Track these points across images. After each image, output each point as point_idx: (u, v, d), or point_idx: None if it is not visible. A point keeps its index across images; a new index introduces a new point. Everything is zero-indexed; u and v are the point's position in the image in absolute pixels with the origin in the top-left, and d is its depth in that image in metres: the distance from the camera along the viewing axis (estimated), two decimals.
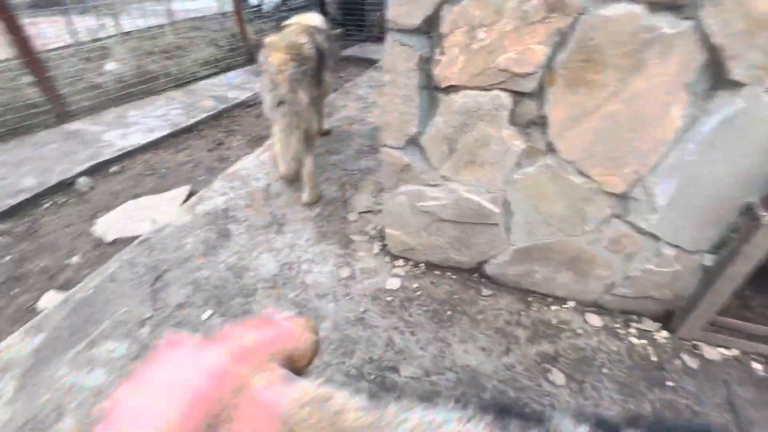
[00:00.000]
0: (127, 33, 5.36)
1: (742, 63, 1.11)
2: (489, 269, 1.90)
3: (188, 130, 3.73)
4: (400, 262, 2.07)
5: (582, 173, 1.47)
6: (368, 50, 6.16)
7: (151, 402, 0.31)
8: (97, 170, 3.06)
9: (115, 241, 2.38)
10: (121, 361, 1.60)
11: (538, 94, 1.37)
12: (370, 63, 5.67)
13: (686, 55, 1.15)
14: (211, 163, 3.23)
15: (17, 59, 3.44)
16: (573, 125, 1.38)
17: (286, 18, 6.27)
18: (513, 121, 1.45)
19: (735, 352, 1.62)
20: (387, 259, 2.09)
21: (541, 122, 1.43)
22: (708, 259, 1.51)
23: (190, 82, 4.78)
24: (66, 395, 1.48)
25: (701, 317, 1.58)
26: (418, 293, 1.89)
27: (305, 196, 2.46)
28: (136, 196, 2.81)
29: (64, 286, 2.08)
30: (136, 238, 2.33)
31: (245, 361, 0.36)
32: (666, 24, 1.13)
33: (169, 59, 4.94)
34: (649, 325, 1.72)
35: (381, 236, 2.21)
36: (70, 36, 4.90)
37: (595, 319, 1.76)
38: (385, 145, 1.71)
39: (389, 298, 1.87)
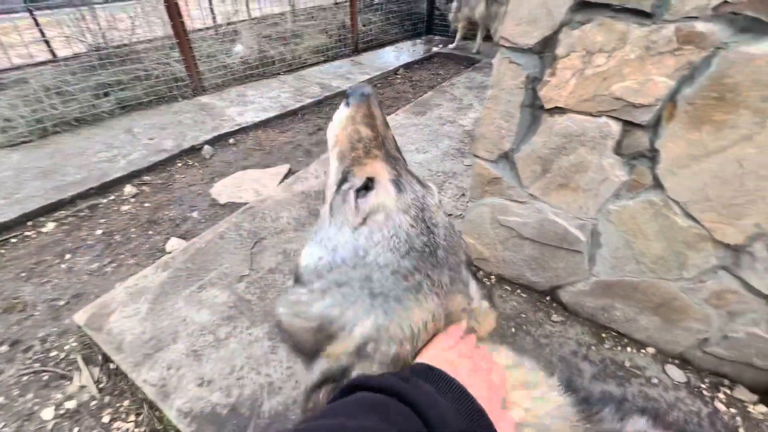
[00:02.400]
0: (255, 19, 6.01)
1: None
2: (564, 295, 1.85)
3: (294, 113, 4.12)
4: None
5: (690, 216, 1.35)
6: (470, 50, 6.08)
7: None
8: (218, 140, 3.57)
9: (226, 204, 2.79)
10: (222, 307, 1.91)
11: (653, 126, 1.30)
12: (470, 62, 5.60)
13: None
14: (310, 147, 3.55)
15: (171, 38, 4.11)
16: (688, 164, 1.28)
17: (395, 11, 6.64)
18: (618, 150, 1.39)
19: None
20: None
21: (650, 156, 1.35)
22: None
23: (300, 68, 5.23)
24: (180, 325, 1.83)
25: None
26: None
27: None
28: (246, 167, 3.23)
29: (185, 235, 2.51)
30: (242, 204, 2.70)
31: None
32: None
33: (285, 45, 5.44)
34: (743, 394, 1.54)
35: None
36: (211, 19, 5.67)
37: (676, 373, 1.62)
38: (477, 156, 1.75)
39: None
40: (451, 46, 6.10)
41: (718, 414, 1.50)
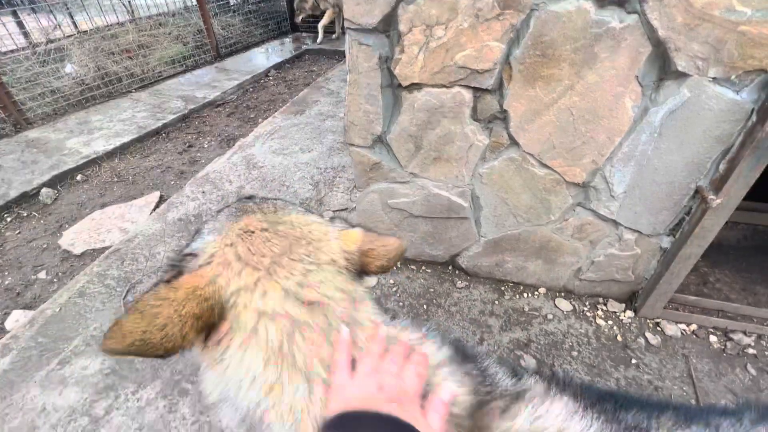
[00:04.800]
0: (85, 32, 5.10)
1: (685, 54, 1.15)
2: (462, 261, 1.94)
3: (156, 133, 3.62)
4: None
5: (544, 165, 1.50)
6: (339, 43, 6.08)
7: None
8: (60, 180, 2.95)
9: (83, 254, 2.32)
10: (95, 377, 1.57)
11: (498, 89, 1.39)
12: (342, 56, 5.59)
13: (634, 48, 1.19)
14: (181, 167, 3.15)
15: None
16: (532, 119, 1.41)
17: (254, 11, 6.32)
18: (475, 117, 1.47)
19: (693, 327, 1.71)
20: None
21: (502, 117, 1.45)
22: (665, 242, 1.58)
23: (155, 82, 4.63)
24: (39, 417, 1.45)
25: (661, 296, 1.66)
26: (394, 289, 1.92)
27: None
28: (104, 205, 2.73)
29: (32, 304, 2.02)
30: (105, 249, 2.27)
31: None
32: (613, 18, 1.16)
33: (131, 59, 4.74)
34: (614, 306, 1.80)
35: None
36: (22, 37, 4.64)
37: (564, 304, 1.83)
38: (353, 145, 1.71)
39: None
40: (318, 41, 6.02)
41: (601, 329, 1.73)
